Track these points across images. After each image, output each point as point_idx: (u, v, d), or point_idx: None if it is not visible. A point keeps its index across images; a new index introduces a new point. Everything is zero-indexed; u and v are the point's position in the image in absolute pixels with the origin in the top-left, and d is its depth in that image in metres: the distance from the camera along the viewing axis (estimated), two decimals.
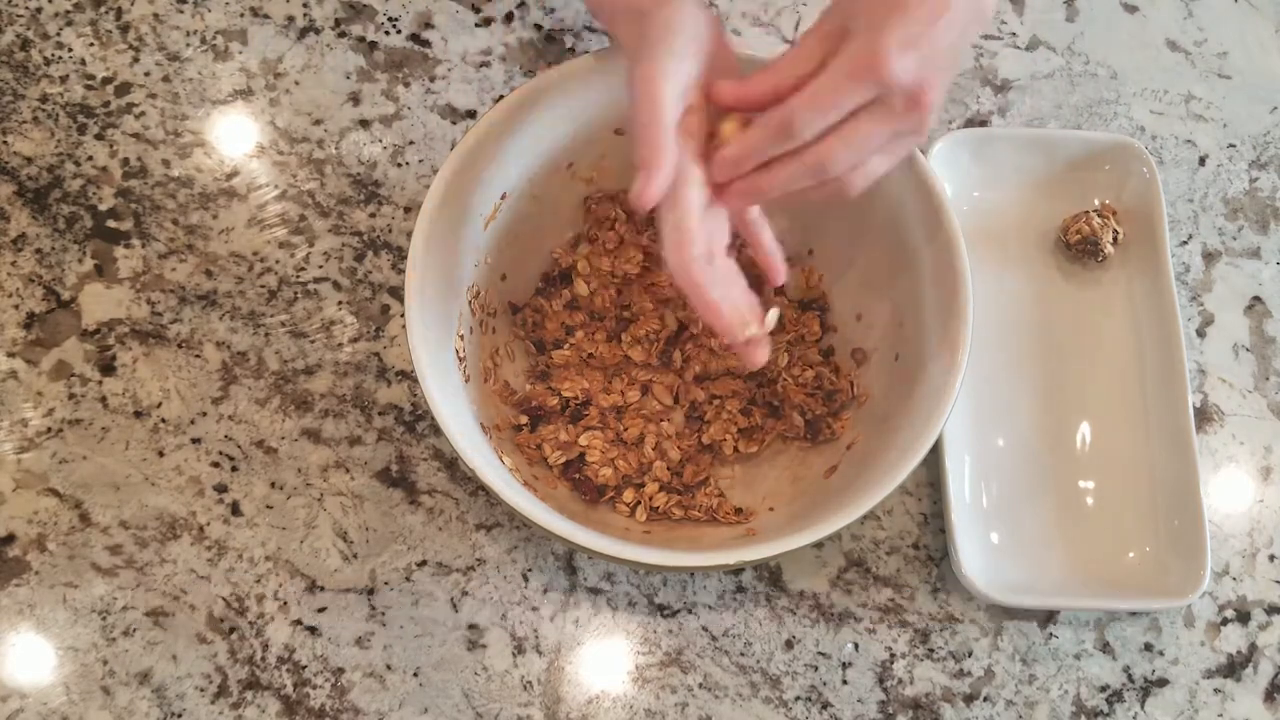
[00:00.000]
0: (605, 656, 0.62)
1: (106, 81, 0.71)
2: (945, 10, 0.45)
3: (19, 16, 0.72)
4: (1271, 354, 0.70)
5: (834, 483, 0.60)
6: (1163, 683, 0.63)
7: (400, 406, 0.66)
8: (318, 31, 0.73)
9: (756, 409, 0.64)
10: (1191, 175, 0.74)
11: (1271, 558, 0.66)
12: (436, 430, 0.65)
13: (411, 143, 0.71)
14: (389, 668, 0.61)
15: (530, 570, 0.63)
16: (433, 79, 0.73)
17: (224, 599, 0.62)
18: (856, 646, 0.63)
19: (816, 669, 0.62)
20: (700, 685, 0.62)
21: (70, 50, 0.72)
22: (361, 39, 0.73)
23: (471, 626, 0.62)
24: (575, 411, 0.63)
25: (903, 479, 0.53)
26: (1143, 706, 0.63)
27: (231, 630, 0.61)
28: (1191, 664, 0.64)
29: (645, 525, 0.62)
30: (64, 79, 0.71)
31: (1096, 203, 0.70)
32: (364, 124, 0.71)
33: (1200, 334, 0.70)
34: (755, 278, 0.56)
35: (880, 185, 0.60)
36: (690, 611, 0.63)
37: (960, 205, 0.70)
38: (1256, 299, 0.71)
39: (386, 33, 0.74)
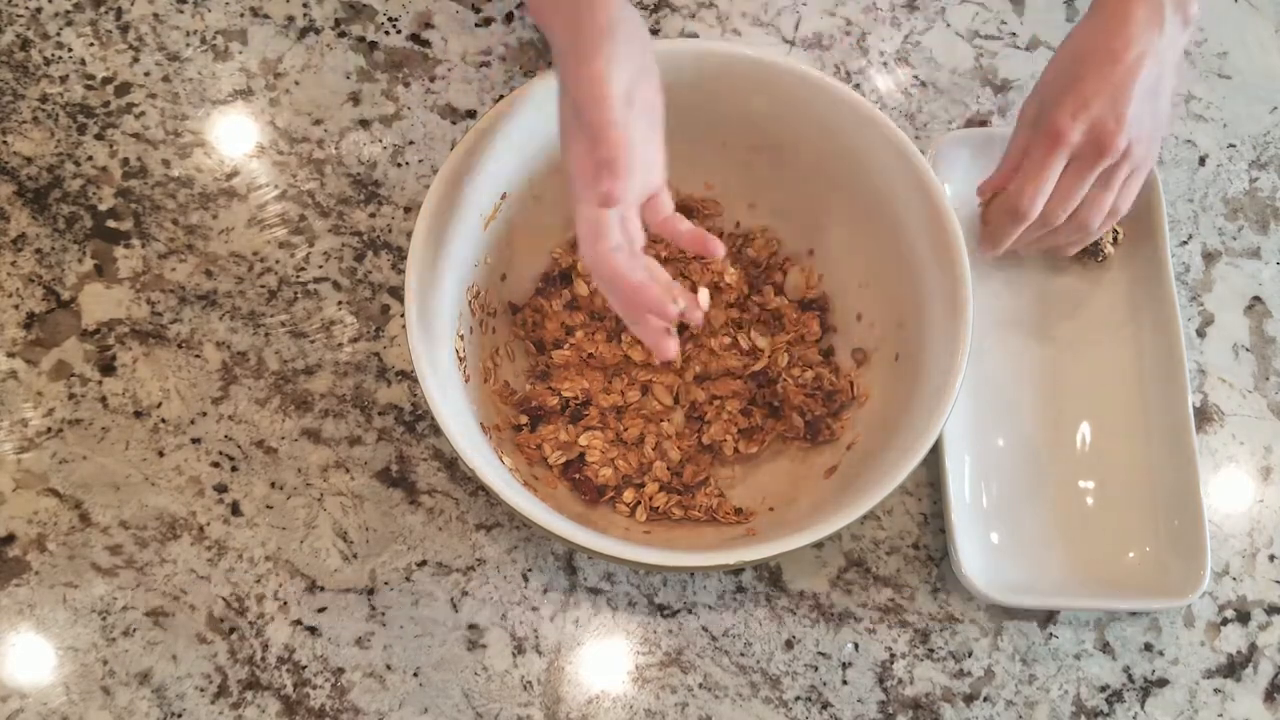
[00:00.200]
0: (605, 656, 0.62)
1: (106, 81, 0.71)
2: (1115, 66, 0.56)
3: (19, 16, 0.72)
4: (1271, 354, 0.70)
5: (834, 483, 0.60)
6: (1163, 683, 0.63)
7: (400, 406, 0.66)
8: (318, 31, 0.73)
9: (756, 409, 0.64)
10: (1191, 175, 0.74)
11: (1271, 558, 0.66)
12: (436, 430, 0.65)
13: (411, 143, 0.71)
14: (389, 668, 0.61)
15: (530, 570, 0.63)
16: (433, 79, 0.73)
17: (224, 599, 0.62)
18: (856, 646, 0.63)
19: (816, 669, 0.62)
20: (700, 685, 0.62)
21: (70, 50, 0.72)
22: (361, 39, 0.73)
23: (471, 626, 0.62)
24: (575, 411, 0.63)
25: (903, 479, 0.53)
26: (1143, 706, 0.63)
27: (231, 630, 0.61)
28: (1191, 664, 0.64)
29: (645, 525, 0.62)
30: (64, 79, 0.71)
31: None
32: (364, 124, 0.71)
33: (1200, 334, 0.70)
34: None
35: (880, 185, 0.60)
36: (690, 611, 0.63)
37: (960, 205, 0.70)
38: (1256, 299, 0.71)
39: (386, 33, 0.74)
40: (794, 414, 0.63)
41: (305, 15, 0.74)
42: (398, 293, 0.68)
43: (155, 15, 0.73)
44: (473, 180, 0.58)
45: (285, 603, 0.62)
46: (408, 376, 0.66)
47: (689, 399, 0.64)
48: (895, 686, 0.62)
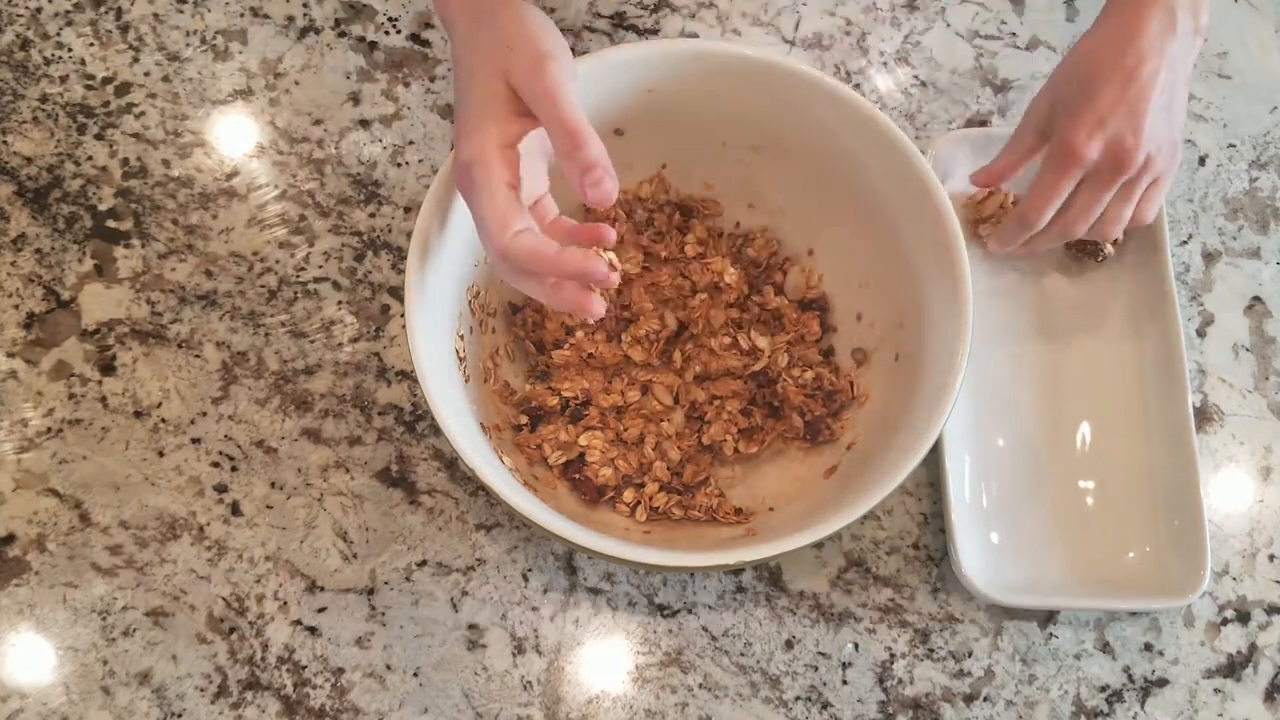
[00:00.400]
0: (605, 656, 0.62)
1: (106, 81, 0.71)
2: (1130, 82, 0.56)
3: (19, 16, 0.72)
4: (1271, 354, 0.70)
5: (834, 483, 0.60)
6: (1163, 683, 0.63)
7: (400, 406, 0.66)
8: (318, 31, 0.73)
9: (756, 409, 0.64)
10: (1191, 175, 0.74)
11: (1271, 558, 0.66)
12: (436, 430, 0.65)
13: (411, 143, 0.71)
14: (389, 668, 0.61)
15: (530, 570, 0.63)
16: (433, 79, 0.73)
17: (224, 599, 0.62)
18: (856, 646, 0.63)
19: (816, 669, 0.62)
20: (700, 685, 0.62)
21: (70, 50, 0.72)
22: (361, 39, 0.73)
23: (471, 626, 0.62)
24: (575, 411, 0.63)
25: (903, 479, 0.53)
26: (1143, 706, 0.63)
27: (231, 630, 0.61)
28: (1191, 664, 0.64)
29: (645, 525, 0.62)
30: (64, 79, 0.71)
31: None
32: (364, 124, 0.71)
33: (1200, 334, 0.70)
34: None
35: (880, 185, 0.60)
36: (690, 611, 0.63)
37: (960, 205, 0.70)
38: (1256, 299, 0.71)
39: (386, 33, 0.74)
40: (794, 414, 0.63)
41: (305, 15, 0.74)
42: (398, 293, 0.68)
43: (155, 15, 0.73)
44: None
45: (285, 603, 0.62)
46: (408, 376, 0.66)
47: (689, 399, 0.64)
48: (895, 686, 0.62)
